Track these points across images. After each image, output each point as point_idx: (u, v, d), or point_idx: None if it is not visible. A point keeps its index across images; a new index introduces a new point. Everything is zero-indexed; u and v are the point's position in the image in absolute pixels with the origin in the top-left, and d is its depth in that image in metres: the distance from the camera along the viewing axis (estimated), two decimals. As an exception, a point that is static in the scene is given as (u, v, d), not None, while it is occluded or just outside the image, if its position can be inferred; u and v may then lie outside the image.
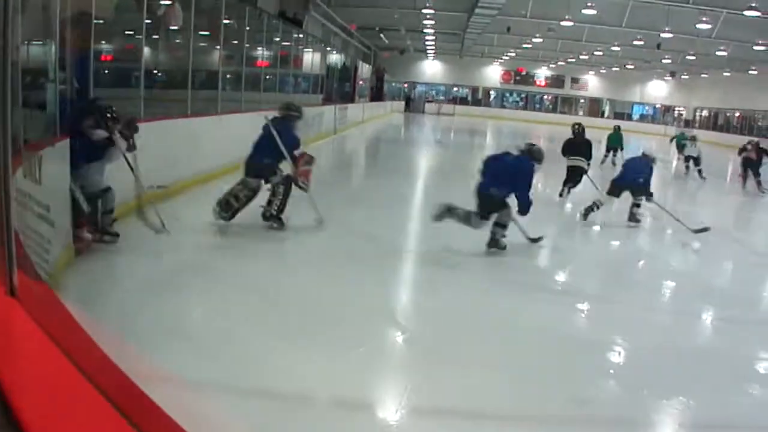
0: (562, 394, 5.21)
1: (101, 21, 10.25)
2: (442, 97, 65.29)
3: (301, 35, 25.07)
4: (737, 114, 53.76)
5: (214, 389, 4.80)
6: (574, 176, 14.88)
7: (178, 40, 13.87)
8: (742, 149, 20.57)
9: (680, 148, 24.66)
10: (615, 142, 23.55)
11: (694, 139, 23.02)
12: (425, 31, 41.03)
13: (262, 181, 9.55)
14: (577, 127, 15.39)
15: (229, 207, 9.28)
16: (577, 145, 15.06)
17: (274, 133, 9.56)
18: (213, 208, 9.22)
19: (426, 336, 6.35)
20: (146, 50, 12.25)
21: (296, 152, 9.60)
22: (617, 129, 23.94)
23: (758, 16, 24.71)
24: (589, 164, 15.10)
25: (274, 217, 9.52)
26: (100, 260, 7.55)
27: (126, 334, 5.49)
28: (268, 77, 20.34)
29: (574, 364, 5.92)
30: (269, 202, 9.53)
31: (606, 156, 23.22)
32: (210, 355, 5.34)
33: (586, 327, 7.29)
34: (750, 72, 42.90)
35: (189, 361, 5.11)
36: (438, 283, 8.17)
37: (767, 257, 11.84)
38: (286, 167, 9.57)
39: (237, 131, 11.67)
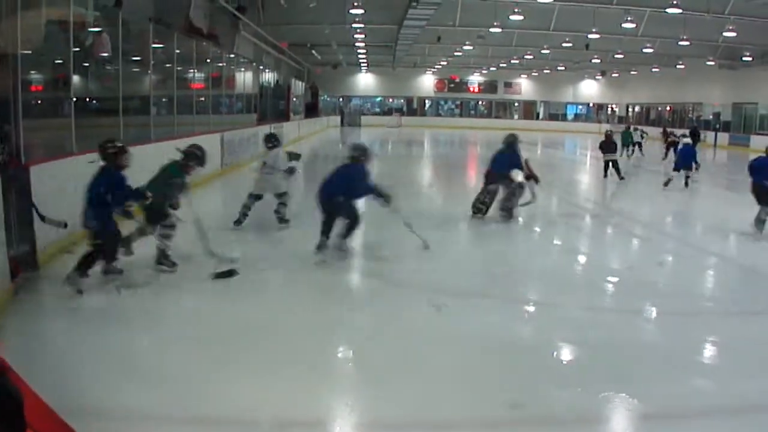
0: (502, 399, 5.27)
1: (29, 52, 10.14)
2: (377, 109, 65.49)
3: (232, 55, 24.98)
4: (668, 107, 54.90)
5: (156, 420, 4.84)
6: (608, 166, 21.00)
7: (108, 67, 13.73)
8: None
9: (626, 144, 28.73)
10: (628, 140, 28.76)
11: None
12: (357, 44, 41.10)
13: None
14: (609, 132, 22.46)
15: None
16: (608, 144, 21.45)
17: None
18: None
19: (367, 351, 6.37)
20: (76, 79, 12.11)
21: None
22: (628, 129, 30.32)
23: (680, 13, 25.23)
24: (617, 156, 21.64)
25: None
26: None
27: (67, 369, 5.46)
28: (201, 98, 20.20)
29: (516, 367, 5.99)
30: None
31: (623, 150, 27.24)
32: (151, 386, 5.32)
33: (527, 330, 7.33)
34: (678, 66, 43.90)
35: (132, 393, 5.11)
36: (381, 296, 8.23)
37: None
38: None
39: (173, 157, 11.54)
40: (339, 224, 9.61)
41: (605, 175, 21.10)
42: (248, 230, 11.27)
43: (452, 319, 7.36)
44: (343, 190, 9.51)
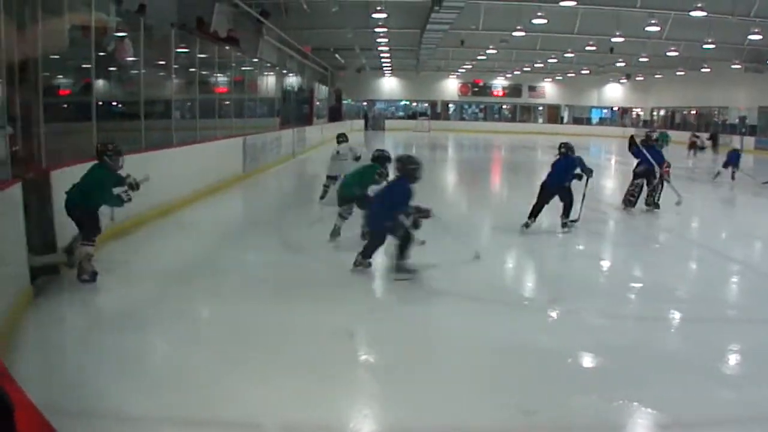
0: (518, 405, 5.23)
1: (55, 56, 10.24)
2: (401, 113, 65.47)
3: (255, 60, 25.04)
4: (693, 111, 54.52)
5: (160, 422, 4.89)
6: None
7: (131, 72, 13.81)
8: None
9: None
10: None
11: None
12: (380, 48, 41.13)
13: None
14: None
15: None
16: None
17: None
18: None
19: (384, 355, 6.38)
20: (99, 83, 12.20)
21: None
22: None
23: (705, 16, 25.06)
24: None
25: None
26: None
27: (77, 370, 5.49)
28: (226, 102, 20.27)
29: (533, 373, 5.96)
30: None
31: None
32: (156, 388, 5.35)
33: (545, 337, 7.19)
34: (702, 70, 43.60)
35: (135, 395, 5.15)
36: (401, 300, 8.22)
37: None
38: None
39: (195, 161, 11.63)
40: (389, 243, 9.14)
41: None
42: (272, 233, 11.29)
43: (472, 324, 7.32)
44: (388, 211, 8.94)
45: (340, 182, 11.52)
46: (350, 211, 10.74)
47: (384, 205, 8.99)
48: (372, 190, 9.93)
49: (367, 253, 9.07)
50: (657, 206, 15.12)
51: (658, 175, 14.92)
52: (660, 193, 15.14)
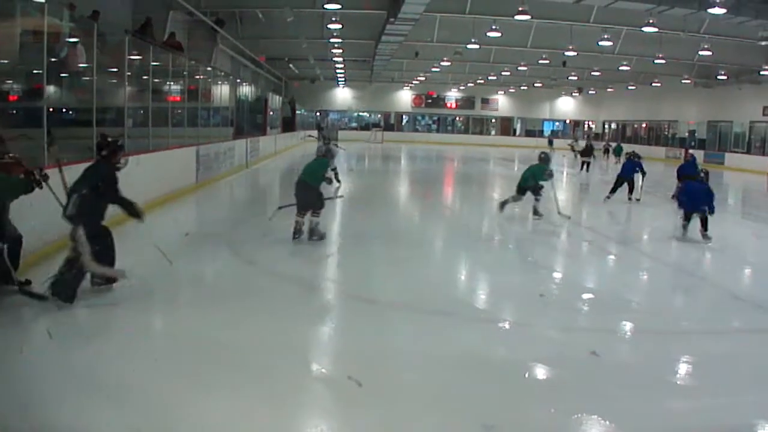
0: (476, 419, 5.21)
1: (5, 61, 10.07)
2: (354, 124, 65.42)
3: (209, 68, 24.85)
4: (644, 125, 55.34)
5: None
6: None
7: (87, 78, 13.61)
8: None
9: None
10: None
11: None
12: (334, 59, 41.09)
13: None
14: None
15: None
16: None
17: None
18: None
19: (340, 370, 6.28)
20: (51, 89, 12.01)
21: None
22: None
23: (656, 32, 25.39)
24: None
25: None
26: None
27: (31, 388, 5.37)
28: (178, 111, 20.05)
29: (490, 387, 5.93)
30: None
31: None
32: (118, 405, 5.25)
33: (501, 349, 7.22)
34: (653, 84, 44.31)
35: (96, 412, 5.07)
36: (354, 316, 8.14)
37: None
38: None
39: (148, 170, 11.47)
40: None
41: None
42: (223, 245, 11.21)
43: (425, 337, 7.29)
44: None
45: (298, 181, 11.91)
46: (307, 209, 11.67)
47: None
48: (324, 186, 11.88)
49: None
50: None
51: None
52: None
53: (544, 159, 15.88)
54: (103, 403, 5.26)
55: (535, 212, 15.49)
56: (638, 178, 19.85)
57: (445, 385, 5.97)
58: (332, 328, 7.76)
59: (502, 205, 15.73)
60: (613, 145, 43.55)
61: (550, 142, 39.32)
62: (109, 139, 8.30)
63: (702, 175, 14.06)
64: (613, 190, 19.56)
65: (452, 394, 5.77)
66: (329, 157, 12.60)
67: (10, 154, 8.09)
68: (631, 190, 19.72)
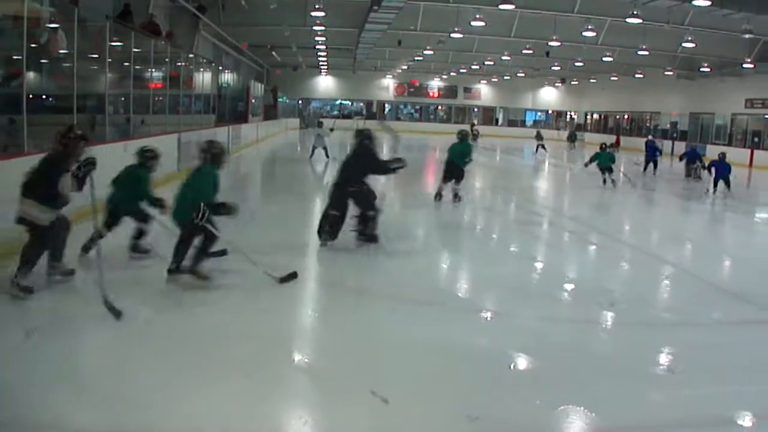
0: (459, 411, 5.20)
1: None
2: (336, 112, 65.26)
3: (191, 55, 24.72)
4: (626, 116, 55.52)
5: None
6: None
7: (67, 64, 13.50)
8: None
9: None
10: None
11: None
12: (317, 47, 40.94)
13: None
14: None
15: None
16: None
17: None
18: None
19: (323, 361, 6.28)
20: (31, 75, 11.90)
21: None
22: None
23: (640, 23, 25.46)
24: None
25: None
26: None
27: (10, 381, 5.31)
28: (159, 98, 19.93)
29: (473, 379, 5.92)
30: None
31: None
32: (96, 399, 5.18)
33: (483, 340, 7.17)
34: (636, 76, 44.52)
35: (74, 407, 5.00)
36: (334, 307, 8.12)
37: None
38: None
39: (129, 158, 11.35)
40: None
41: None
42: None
43: (408, 328, 7.25)
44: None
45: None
46: None
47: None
48: None
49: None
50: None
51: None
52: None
53: (465, 136, 16.68)
54: (80, 395, 5.22)
55: (456, 196, 16.02)
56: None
57: (429, 376, 5.95)
58: (315, 318, 7.73)
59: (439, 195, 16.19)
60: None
61: (539, 136, 39.03)
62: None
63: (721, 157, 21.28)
64: (645, 169, 27.27)
65: (436, 385, 5.76)
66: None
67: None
68: (655, 168, 27.14)
